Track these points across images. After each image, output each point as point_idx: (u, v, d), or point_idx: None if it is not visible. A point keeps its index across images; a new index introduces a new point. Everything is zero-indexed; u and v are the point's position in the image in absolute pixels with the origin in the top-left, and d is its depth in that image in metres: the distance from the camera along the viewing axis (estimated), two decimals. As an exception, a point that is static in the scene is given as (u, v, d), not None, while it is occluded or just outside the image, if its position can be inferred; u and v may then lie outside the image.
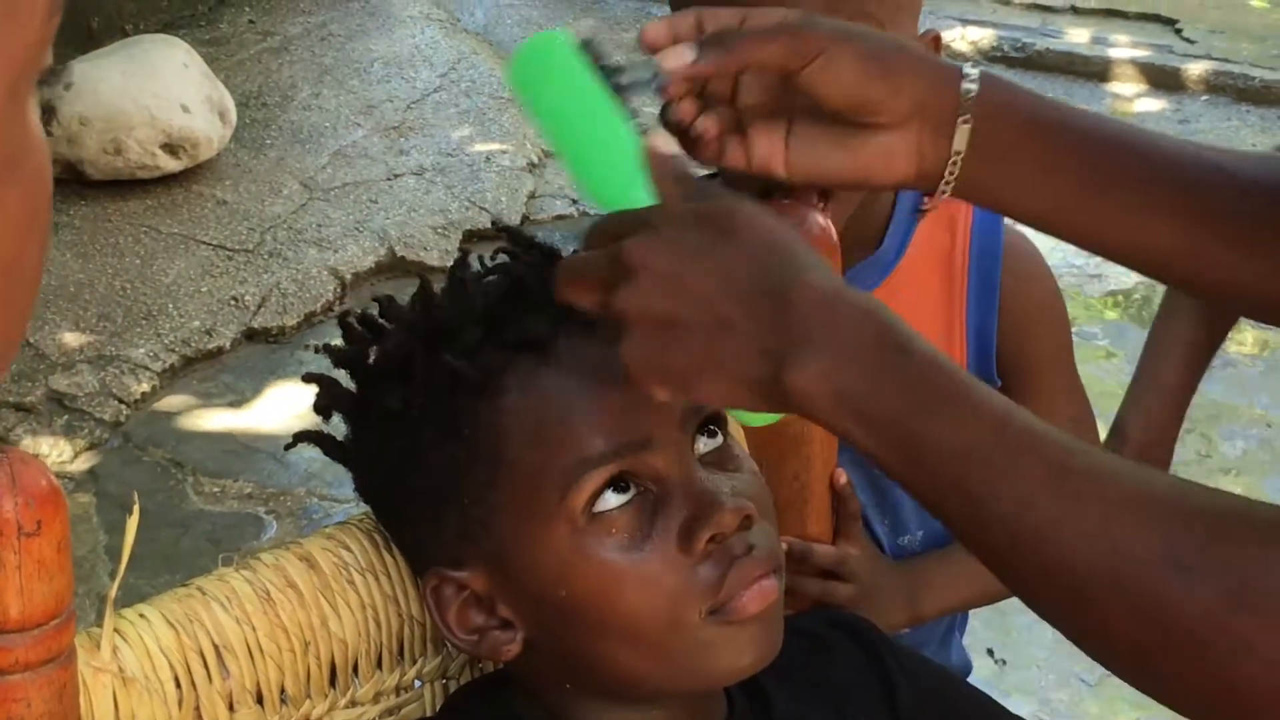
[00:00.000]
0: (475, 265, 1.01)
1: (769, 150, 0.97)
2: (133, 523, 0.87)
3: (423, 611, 1.01)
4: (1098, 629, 0.75)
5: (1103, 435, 1.59)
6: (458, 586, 0.95)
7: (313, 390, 1.01)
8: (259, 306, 3.79)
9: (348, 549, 1.00)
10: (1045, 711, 2.68)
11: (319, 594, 0.97)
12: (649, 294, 0.81)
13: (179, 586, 0.95)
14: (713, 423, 0.96)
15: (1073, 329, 1.50)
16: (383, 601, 1.00)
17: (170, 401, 3.50)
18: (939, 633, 1.47)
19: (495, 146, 4.65)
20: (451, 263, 1.02)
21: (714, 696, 1.00)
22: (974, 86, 0.95)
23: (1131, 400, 1.68)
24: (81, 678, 0.85)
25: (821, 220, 1.07)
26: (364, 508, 1.03)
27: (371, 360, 0.99)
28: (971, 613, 1.52)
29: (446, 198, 4.33)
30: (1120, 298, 4.06)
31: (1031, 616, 0.78)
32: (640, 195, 0.88)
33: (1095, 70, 5.34)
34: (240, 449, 3.36)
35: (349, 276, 3.95)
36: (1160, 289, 2.31)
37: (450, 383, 0.93)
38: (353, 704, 1.00)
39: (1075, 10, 5.78)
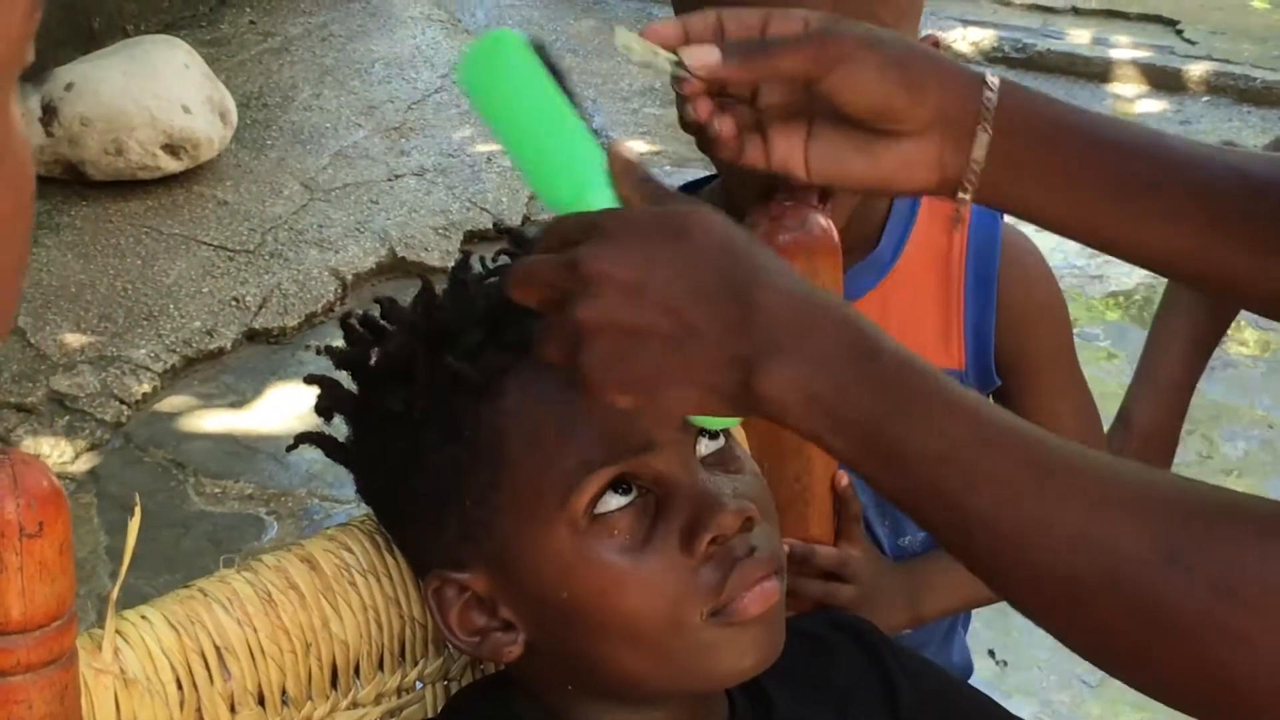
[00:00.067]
0: (477, 267, 1.01)
1: (788, 152, 0.97)
2: (134, 524, 0.87)
3: (424, 613, 1.01)
4: (1093, 628, 0.74)
5: (1104, 436, 1.59)
6: (459, 588, 0.95)
7: (314, 391, 1.01)
8: (260, 307, 3.79)
9: (349, 550, 1.00)
10: (1047, 713, 2.68)
11: (320, 595, 0.97)
12: (611, 305, 0.80)
13: (180, 588, 0.95)
14: (714, 424, 0.96)
15: (1074, 330, 1.50)
16: (384, 603, 1.00)
17: (171, 402, 3.50)
18: (940, 632, 1.46)
19: (496, 147, 4.60)
20: (453, 264, 1.02)
21: (715, 698, 1.00)
22: (994, 96, 0.95)
23: (1135, 390, 1.69)
24: (83, 679, 0.85)
25: (822, 221, 1.07)
26: (365, 509, 1.03)
27: (373, 361, 0.99)
28: (973, 613, 1.51)
29: (448, 198, 4.33)
30: (1121, 299, 4.06)
31: (1033, 617, 0.78)
32: (596, 198, 0.86)
33: (1096, 71, 5.34)
34: (241, 450, 3.36)
35: (350, 277, 3.95)
36: (1160, 290, 2.31)
37: (452, 384, 0.93)
38: (354, 705, 1.00)
39: (1076, 11, 5.77)
